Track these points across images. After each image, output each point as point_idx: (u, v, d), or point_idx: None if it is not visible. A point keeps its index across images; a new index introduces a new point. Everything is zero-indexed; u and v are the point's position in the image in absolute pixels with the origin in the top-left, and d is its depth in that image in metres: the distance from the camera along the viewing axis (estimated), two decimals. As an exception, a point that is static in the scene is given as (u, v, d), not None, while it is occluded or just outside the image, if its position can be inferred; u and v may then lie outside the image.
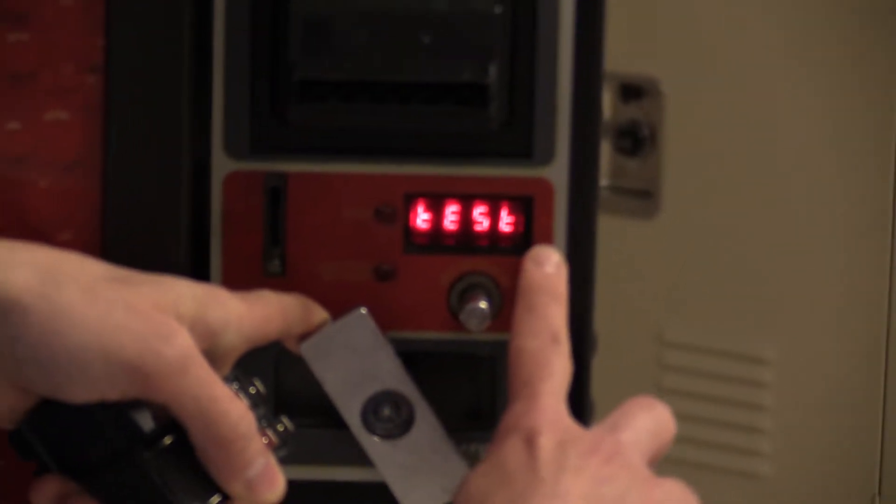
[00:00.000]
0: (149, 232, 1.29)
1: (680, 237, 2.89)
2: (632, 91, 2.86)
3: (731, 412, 2.90)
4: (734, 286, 2.90)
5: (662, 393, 2.87)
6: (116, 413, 1.16)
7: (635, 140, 2.85)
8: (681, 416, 2.69)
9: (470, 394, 1.33)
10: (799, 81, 2.83)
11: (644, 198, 2.88)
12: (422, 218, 1.30)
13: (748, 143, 2.92)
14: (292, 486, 1.20)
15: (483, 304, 1.29)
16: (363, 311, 1.28)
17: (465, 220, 1.30)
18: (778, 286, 2.89)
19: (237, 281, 1.28)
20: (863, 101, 2.77)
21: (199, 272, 1.29)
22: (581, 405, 1.33)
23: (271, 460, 1.19)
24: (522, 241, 1.30)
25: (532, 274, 1.28)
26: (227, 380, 1.20)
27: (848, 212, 2.90)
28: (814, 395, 2.90)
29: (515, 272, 1.29)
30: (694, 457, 2.93)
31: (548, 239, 1.30)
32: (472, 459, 1.31)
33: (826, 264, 2.92)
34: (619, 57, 2.69)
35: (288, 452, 1.22)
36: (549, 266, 1.29)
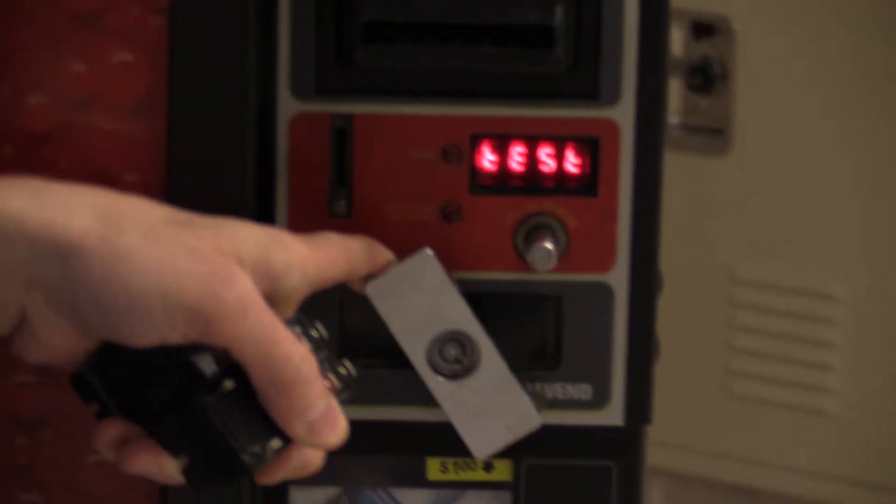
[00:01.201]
0: (213, 175, 1.27)
1: (752, 174, 2.87)
2: (703, 28, 2.84)
3: (801, 350, 2.88)
4: (806, 223, 2.87)
5: (733, 329, 2.84)
6: (178, 356, 1.15)
7: (706, 77, 2.83)
8: (751, 353, 2.67)
9: (535, 334, 1.31)
10: (871, 17, 2.80)
11: (716, 135, 2.85)
12: (488, 159, 1.28)
13: (819, 77, 2.89)
14: (356, 427, 1.19)
15: (549, 245, 1.27)
16: (429, 251, 1.26)
17: (532, 161, 1.28)
18: (850, 223, 2.86)
19: (302, 223, 1.27)
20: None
21: (263, 214, 1.28)
22: (646, 343, 1.30)
23: (333, 403, 1.17)
24: (589, 183, 1.28)
25: None
26: (290, 323, 1.18)
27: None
28: (885, 333, 2.88)
29: (582, 213, 1.28)
30: (764, 394, 2.91)
31: (614, 180, 1.28)
32: (538, 399, 1.28)
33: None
34: (690, -6, 2.67)
35: (351, 395, 1.21)
36: None
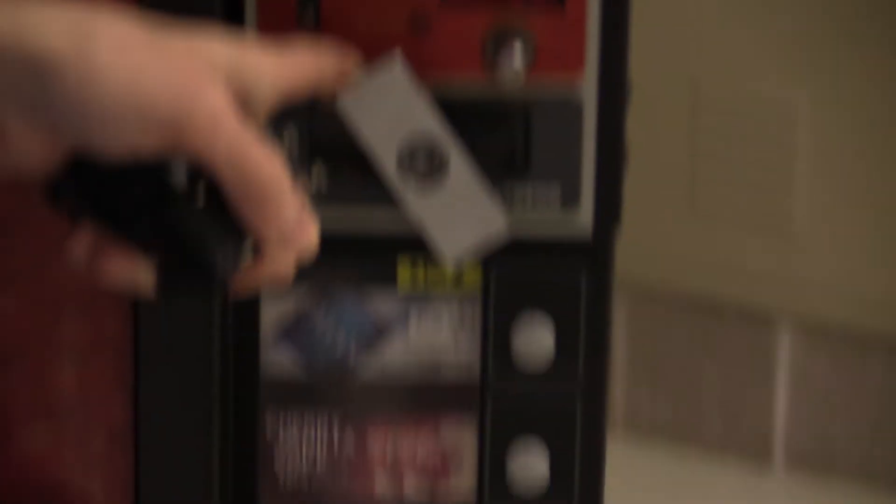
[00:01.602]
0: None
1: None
2: None
3: (763, 152, 2.89)
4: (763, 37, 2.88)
5: (696, 132, 2.86)
6: (151, 166, 1.15)
7: None
8: (714, 157, 2.69)
9: (503, 142, 1.30)
10: None
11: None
12: (456, -32, 1.27)
13: None
14: (327, 235, 1.20)
15: (518, 54, 1.26)
16: (398, 60, 1.26)
17: (499, -26, 1.27)
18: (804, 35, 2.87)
19: (271, 33, 1.27)
20: None
21: (232, 25, 1.28)
22: (617, 151, 1.30)
23: (304, 212, 1.17)
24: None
25: None
26: (262, 132, 1.17)
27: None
28: (844, 137, 2.89)
29: (551, 24, 1.27)
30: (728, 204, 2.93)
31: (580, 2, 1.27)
32: (505, 203, 1.29)
33: None
34: None
35: (322, 203, 1.20)
36: None
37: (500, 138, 1.30)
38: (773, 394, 3.00)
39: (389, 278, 1.32)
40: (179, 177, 1.15)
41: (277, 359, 1.33)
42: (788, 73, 2.87)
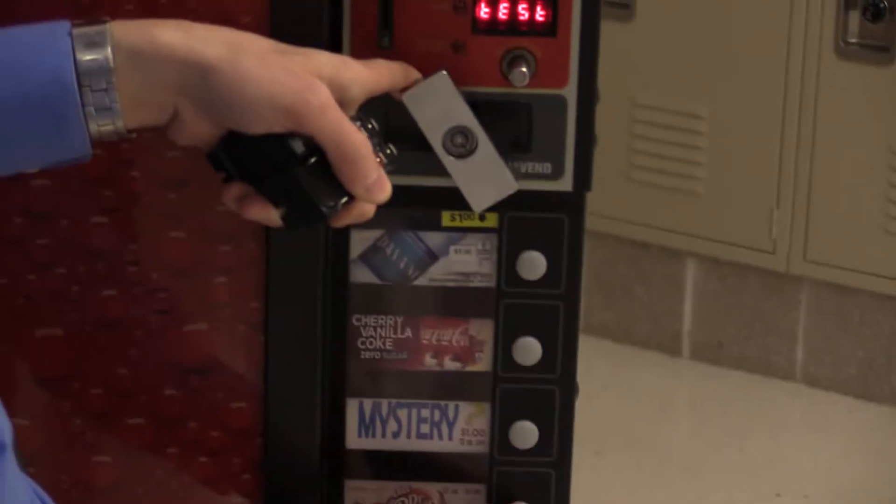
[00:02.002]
0: (302, 18, 1.23)
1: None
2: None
3: (675, 143, 2.85)
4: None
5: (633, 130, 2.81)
6: (279, 139, 1.12)
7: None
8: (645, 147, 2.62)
9: (514, 130, 1.26)
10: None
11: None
12: (484, 10, 1.24)
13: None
14: (396, 189, 1.16)
15: (524, 69, 1.23)
16: (444, 72, 1.23)
17: (513, 12, 1.24)
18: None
19: (360, 53, 1.23)
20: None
21: (335, 47, 1.24)
22: (588, 135, 1.28)
23: (382, 173, 1.15)
24: (551, 27, 1.24)
25: None
26: (353, 119, 1.15)
27: None
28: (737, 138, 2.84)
29: (547, 48, 1.24)
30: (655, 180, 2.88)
31: (567, 26, 1.24)
32: (515, 173, 1.25)
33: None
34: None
35: (392, 168, 1.18)
36: None
37: (511, 127, 1.26)
38: (683, 305, 2.97)
39: (436, 219, 1.28)
40: (298, 146, 1.12)
41: (360, 272, 1.29)
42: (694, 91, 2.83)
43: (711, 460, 2.72)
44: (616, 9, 2.78)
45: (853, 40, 2.69)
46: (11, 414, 0.91)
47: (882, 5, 2.65)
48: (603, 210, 2.77)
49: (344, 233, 1.26)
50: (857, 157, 2.73)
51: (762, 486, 2.66)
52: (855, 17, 2.68)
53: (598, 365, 2.82)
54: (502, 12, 1.22)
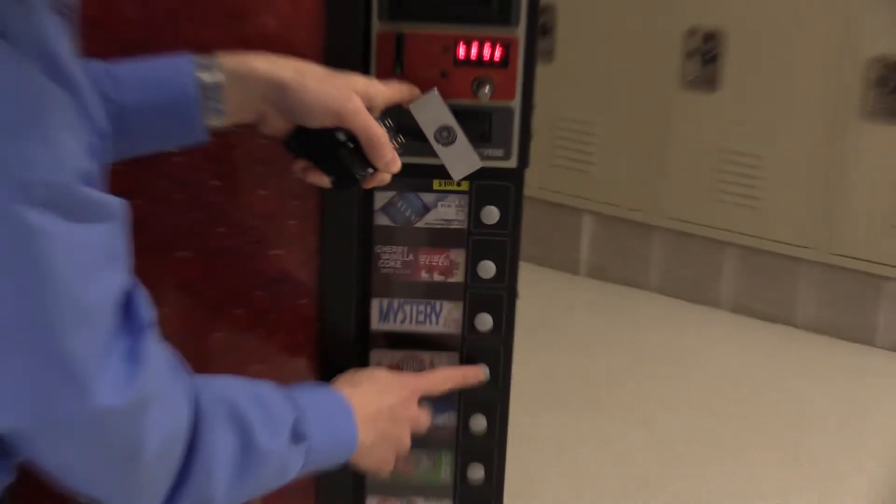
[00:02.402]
0: (345, 56, 1.19)
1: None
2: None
3: (578, 142, 2.80)
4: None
5: (553, 136, 2.76)
6: (329, 132, 1.10)
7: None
8: (563, 145, 2.55)
9: (480, 127, 1.23)
10: None
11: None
12: (461, 51, 1.21)
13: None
14: (404, 165, 1.15)
15: (487, 89, 1.21)
16: (435, 90, 1.20)
17: (480, 51, 1.21)
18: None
19: (382, 77, 1.19)
20: None
21: (366, 73, 1.20)
22: (526, 131, 1.23)
23: (395, 154, 1.13)
24: (505, 62, 1.21)
25: None
26: (377, 118, 1.13)
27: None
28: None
29: (502, 76, 1.21)
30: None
31: (515, 62, 1.21)
32: (480, 156, 1.23)
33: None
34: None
35: (402, 151, 1.16)
36: None
37: (478, 126, 1.23)
38: (580, 243, 2.94)
39: (429, 185, 1.26)
40: (341, 137, 1.10)
41: (380, 218, 1.26)
42: (590, 106, 2.79)
43: (600, 340, 2.72)
44: (543, 55, 2.75)
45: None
46: (160, 306, 0.89)
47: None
48: (532, 181, 2.75)
49: (370, 193, 1.25)
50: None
51: (627, 354, 2.65)
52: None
53: (528, 279, 2.81)
54: (473, 52, 1.20)
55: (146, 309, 0.85)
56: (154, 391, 0.83)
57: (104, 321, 0.79)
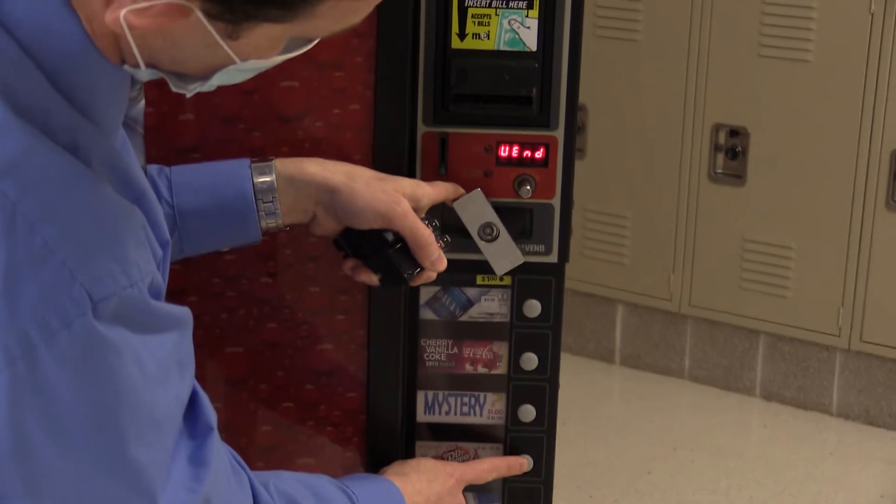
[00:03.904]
0: (393, 158, 1.19)
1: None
2: None
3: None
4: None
5: (585, 229, 2.75)
6: (378, 233, 1.11)
7: None
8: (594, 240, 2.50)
9: (522, 223, 1.23)
10: None
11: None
12: (503, 151, 1.21)
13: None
14: (450, 263, 1.15)
15: (528, 187, 1.21)
16: (479, 189, 1.20)
17: (521, 152, 1.21)
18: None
19: (428, 178, 1.20)
20: None
21: (412, 175, 1.21)
22: (566, 229, 1.24)
23: (441, 253, 1.13)
24: (546, 161, 1.21)
25: None
26: (423, 219, 1.14)
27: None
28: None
29: (542, 175, 1.21)
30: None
31: (555, 161, 1.21)
32: (522, 251, 1.23)
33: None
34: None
35: (447, 249, 1.16)
36: None
37: (520, 223, 1.23)
38: (615, 332, 2.92)
39: (473, 280, 1.25)
40: (389, 237, 1.10)
41: (426, 313, 1.26)
42: (621, 199, 2.78)
43: (636, 427, 2.68)
44: (577, 153, 2.77)
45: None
46: (211, 400, 0.88)
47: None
48: (569, 273, 2.74)
49: (416, 288, 1.24)
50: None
51: (664, 442, 2.62)
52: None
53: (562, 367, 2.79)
54: (514, 153, 1.20)
55: (209, 412, 0.85)
56: (216, 492, 0.83)
57: (172, 428, 0.79)
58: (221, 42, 0.72)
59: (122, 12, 0.70)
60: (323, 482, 1.01)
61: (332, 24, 0.75)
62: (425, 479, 1.14)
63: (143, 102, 0.93)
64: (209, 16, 0.71)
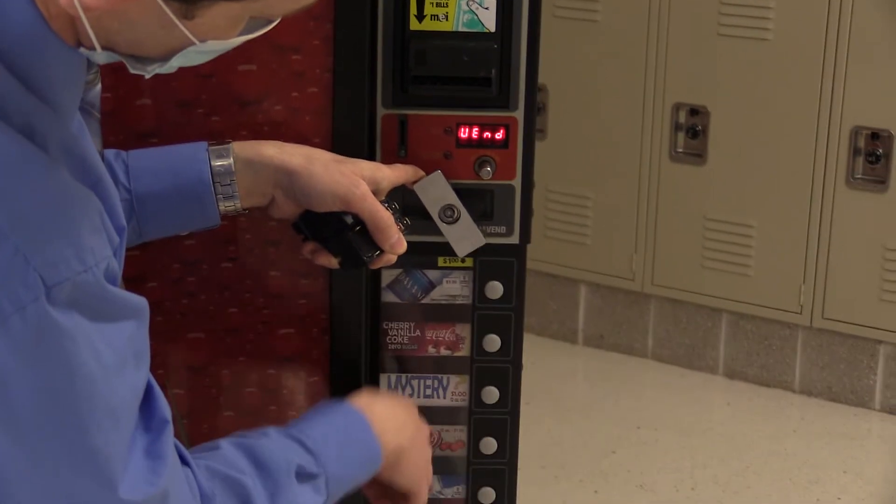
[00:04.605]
0: (351, 141, 1.20)
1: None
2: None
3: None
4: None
5: (547, 210, 2.74)
6: (337, 215, 1.11)
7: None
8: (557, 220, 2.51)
9: (483, 205, 1.24)
10: None
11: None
12: (463, 133, 1.21)
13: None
14: (410, 245, 1.15)
15: (489, 168, 1.22)
16: (439, 171, 1.21)
17: (481, 132, 1.22)
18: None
19: (387, 161, 1.21)
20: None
21: (371, 158, 1.21)
22: (528, 208, 1.24)
23: (401, 235, 1.13)
24: (506, 142, 1.22)
25: None
26: (383, 201, 1.13)
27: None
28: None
29: (503, 156, 1.22)
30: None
31: (515, 141, 1.22)
32: (483, 233, 1.23)
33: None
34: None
35: (408, 232, 1.16)
36: None
37: (481, 204, 1.23)
38: (578, 313, 2.93)
39: (434, 262, 1.25)
40: (349, 220, 1.10)
41: (388, 295, 1.26)
42: (583, 180, 2.79)
43: (600, 407, 2.70)
44: (538, 134, 2.78)
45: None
46: (172, 386, 0.88)
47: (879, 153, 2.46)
48: (528, 253, 2.75)
49: (377, 271, 1.24)
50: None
51: (628, 421, 2.64)
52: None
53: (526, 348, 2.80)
54: (474, 134, 1.21)
55: (164, 405, 0.85)
56: (172, 486, 0.83)
57: (129, 419, 0.79)
58: (177, 22, 0.72)
59: None
60: (266, 443, 0.95)
61: (289, 1, 0.75)
62: (396, 405, 1.08)
63: (99, 86, 0.93)
64: None
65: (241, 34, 0.76)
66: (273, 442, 0.96)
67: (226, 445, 0.94)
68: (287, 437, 0.97)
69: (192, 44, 0.74)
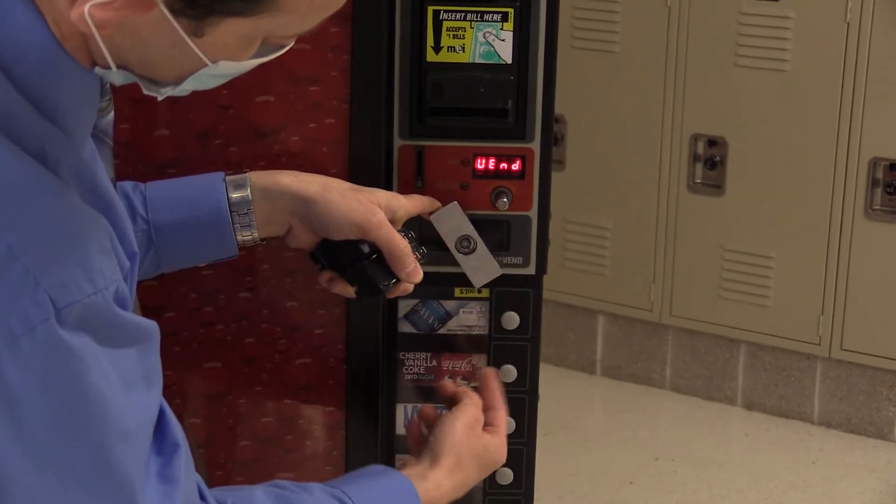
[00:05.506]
0: (368, 170, 1.20)
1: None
2: None
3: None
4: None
5: (565, 241, 2.73)
6: (354, 244, 1.10)
7: None
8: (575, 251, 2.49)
9: (499, 236, 1.24)
10: None
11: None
12: (480, 164, 1.22)
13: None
14: (426, 275, 1.15)
15: (505, 199, 1.21)
16: (455, 202, 1.21)
17: (498, 164, 1.22)
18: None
19: (404, 191, 1.21)
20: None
21: (388, 187, 1.21)
22: (543, 239, 1.24)
23: (418, 265, 1.13)
24: (522, 174, 1.22)
25: None
26: (400, 231, 1.13)
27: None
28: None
29: (519, 187, 1.21)
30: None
31: (531, 173, 1.21)
32: (499, 263, 1.23)
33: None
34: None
35: (424, 261, 1.15)
36: None
37: (497, 235, 1.23)
38: (596, 344, 2.92)
39: (451, 292, 1.25)
40: (365, 248, 1.10)
41: (404, 325, 1.26)
42: (601, 210, 2.79)
43: (618, 437, 2.68)
44: (554, 164, 2.78)
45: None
46: (190, 415, 0.88)
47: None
48: (546, 284, 2.74)
49: (393, 301, 1.24)
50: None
51: (646, 452, 2.62)
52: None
53: (544, 378, 2.79)
54: (491, 165, 1.21)
55: (176, 428, 0.84)
56: None
57: (144, 440, 0.79)
58: (187, 39, 0.72)
59: (86, 7, 0.70)
60: (313, 497, 0.94)
61: (299, 20, 0.74)
62: (447, 469, 1.05)
63: (112, 114, 0.93)
64: (172, 10, 0.71)
65: (254, 57, 0.76)
66: (315, 499, 0.94)
67: (262, 497, 0.92)
68: (330, 496, 0.96)
69: (205, 65, 0.74)
